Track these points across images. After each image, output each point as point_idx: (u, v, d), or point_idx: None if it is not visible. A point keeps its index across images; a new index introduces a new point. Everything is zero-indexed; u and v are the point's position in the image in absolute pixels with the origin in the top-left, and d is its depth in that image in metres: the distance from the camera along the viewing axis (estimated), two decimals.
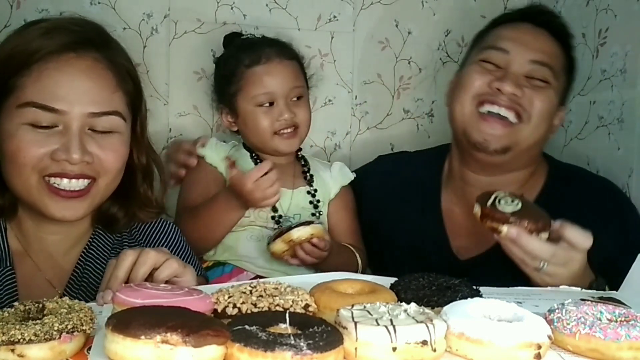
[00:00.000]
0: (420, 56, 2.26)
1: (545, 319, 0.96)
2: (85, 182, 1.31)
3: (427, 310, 0.93)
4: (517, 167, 1.69)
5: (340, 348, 0.84)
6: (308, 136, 1.85)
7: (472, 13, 2.25)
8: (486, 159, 1.65)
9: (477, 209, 1.36)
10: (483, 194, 1.38)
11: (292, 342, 0.80)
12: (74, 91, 1.28)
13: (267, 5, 2.12)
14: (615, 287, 1.28)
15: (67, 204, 1.30)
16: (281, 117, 1.73)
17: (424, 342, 0.85)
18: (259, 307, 0.96)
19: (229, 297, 0.99)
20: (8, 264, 1.34)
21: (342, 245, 1.73)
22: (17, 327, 0.83)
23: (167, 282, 1.16)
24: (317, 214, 1.77)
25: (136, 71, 1.42)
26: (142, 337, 0.78)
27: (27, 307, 0.93)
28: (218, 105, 1.85)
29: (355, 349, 0.85)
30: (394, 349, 0.84)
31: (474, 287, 1.12)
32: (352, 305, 0.93)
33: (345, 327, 0.87)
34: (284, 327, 0.87)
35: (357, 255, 1.75)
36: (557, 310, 0.98)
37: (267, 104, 1.74)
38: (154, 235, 1.51)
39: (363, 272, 1.74)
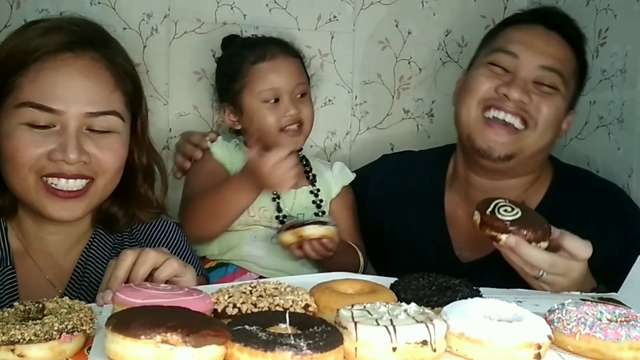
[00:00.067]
0: (420, 56, 2.26)
1: (546, 319, 0.96)
2: (83, 182, 1.31)
3: (427, 310, 0.93)
4: (522, 172, 1.67)
5: (340, 348, 0.84)
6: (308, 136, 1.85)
7: (472, 13, 2.25)
8: (490, 165, 1.63)
9: (476, 217, 1.35)
10: (483, 201, 1.37)
11: (292, 342, 0.80)
12: (71, 91, 1.28)
13: (267, 5, 2.12)
14: (617, 290, 1.28)
15: (65, 204, 1.30)
16: (287, 113, 1.73)
17: (424, 342, 0.85)
18: (259, 307, 0.96)
19: (229, 297, 0.99)
20: (8, 264, 1.34)
21: (346, 244, 1.73)
22: (17, 327, 0.83)
23: (167, 282, 1.16)
24: (320, 214, 1.77)
25: (136, 71, 1.42)
26: (142, 337, 0.78)
27: (27, 307, 0.93)
28: (220, 105, 1.84)
29: (355, 349, 0.85)
30: (394, 349, 0.84)
31: (474, 287, 1.12)
32: (352, 305, 0.93)
33: (345, 327, 0.87)
34: (284, 327, 0.87)
35: (360, 255, 1.75)
36: (557, 311, 0.98)
37: (273, 100, 1.74)
38: (154, 235, 1.51)
39: (363, 271, 1.75)
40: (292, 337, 0.81)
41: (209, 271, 1.69)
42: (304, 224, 1.58)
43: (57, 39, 1.29)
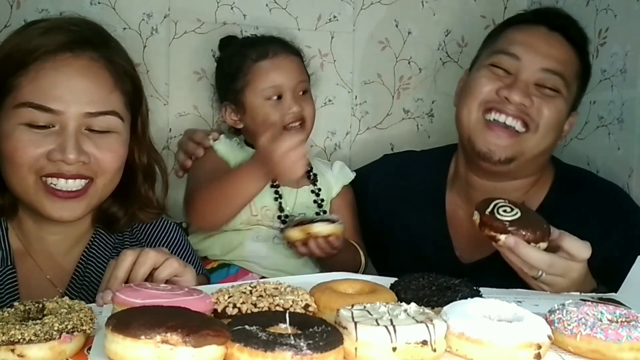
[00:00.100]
0: (420, 56, 2.26)
1: (546, 319, 0.96)
2: (83, 182, 1.31)
3: (427, 310, 0.93)
4: (523, 174, 1.67)
5: (340, 348, 0.84)
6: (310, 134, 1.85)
7: (472, 13, 2.25)
8: (490, 168, 1.63)
9: (476, 217, 1.35)
10: (483, 201, 1.37)
11: (292, 342, 0.80)
12: (70, 91, 1.28)
13: (267, 5, 2.12)
14: (617, 290, 1.27)
15: (65, 205, 1.30)
16: (290, 110, 1.73)
17: (424, 342, 0.85)
18: (259, 307, 0.96)
19: (229, 297, 0.99)
20: (9, 263, 1.34)
21: (348, 243, 1.73)
22: (17, 327, 0.83)
23: (167, 281, 1.16)
24: (321, 213, 1.77)
25: (136, 71, 1.42)
26: (142, 337, 0.78)
27: (27, 307, 0.93)
28: (221, 104, 1.84)
29: (355, 349, 0.85)
30: (394, 349, 0.84)
31: (474, 287, 1.12)
32: (352, 305, 0.93)
33: (345, 327, 0.87)
34: (284, 327, 0.87)
35: (361, 253, 1.75)
36: (557, 311, 0.98)
37: (275, 98, 1.74)
38: (155, 234, 1.51)
39: (364, 270, 1.75)
40: (292, 337, 0.81)
41: (210, 272, 1.68)
42: (312, 221, 1.58)
43: (56, 39, 1.29)
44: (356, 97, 2.23)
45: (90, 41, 1.33)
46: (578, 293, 1.28)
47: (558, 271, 1.30)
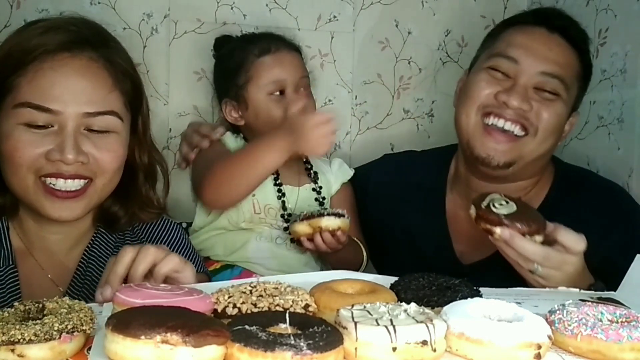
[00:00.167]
0: (420, 56, 2.26)
1: (546, 320, 0.96)
2: (82, 182, 1.31)
3: (427, 310, 0.93)
4: (523, 177, 1.67)
5: (340, 348, 0.84)
6: None
7: (472, 13, 2.25)
8: (490, 172, 1.63)
9: (472, 211, 1.36)
10: (479, 195, 1.39)
11: (292, 342, 0.80)
12: (69, 91, 1.28)
13: (267, 5, 2.12)
14: (616, 287, 1.28)
15: (64, 204, 1.30)
16: (292, 106, 1.71)
17: (424, 342, 0.85)
18: (259, 307, 0.96)
19: (229, 297, 0.99)
20: (11, 262, 1.34)
21: (351, 239, 1.73)
22: (17, 327, 0.83)
23: (167, 279, 1.16)
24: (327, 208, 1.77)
25: (136, 71, 1.42)
26: (142, 337, 0.78)
27: (27, 307, 0.93)
28: (222, 101, 1.83)
29: (355, 349, 0.85)
30: (394, 349, 0.84)
31: (474, 287, 1.12)
32: (352, 305, 0.93)
33: (345, 327, 0.87)
34: (284, 327, 0.87)
35: (363, 249, 1.75)
36: (557, 312, 0.98)
37: (278, 93, 1.74)
38: (156, 234, 1.51)
39: (365, 268, 1.75)
40: (292, 337, 0.81)
41: (214, 274, 1.68)
42: (320, 214, 1.58)
43: (55, 39, 1.30)
44: (356, 97, 2.23)
45: (89, 41, 1.33)
46: (577, 290, 1.28)
47: (553, 264, 1.30)
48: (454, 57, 2.26)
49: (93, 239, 1.43)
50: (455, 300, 1.02)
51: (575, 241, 1.31)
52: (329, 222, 1.56)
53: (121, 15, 2.00)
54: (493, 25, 1.96)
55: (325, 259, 1.74)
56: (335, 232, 1.56)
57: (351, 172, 1.88)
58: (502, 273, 1.36)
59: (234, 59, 1.79)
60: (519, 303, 1.01)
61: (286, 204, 1.74)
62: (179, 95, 2.08)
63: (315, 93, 1.95)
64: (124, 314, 0.84)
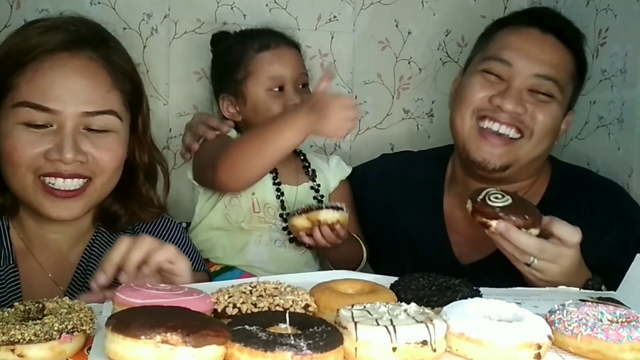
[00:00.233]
0: (420, 56, 2.26)
1: (546, 320, 0.96)
2: (81, 181, 1.31)
3: (427, 310, 0.93)
4: (519, 179, 1.67)
5: (340, 348, 0.84)
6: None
7: (472, 13, 2.25)
8: (486, 175, 1.63)
9: (469, 205, 1.37)
10: (475, 190, 1.40)
11: (292, 342, 0.80)
12: (68, 90, 1.28)
13: (267, 5, 2.12)
14: (615, 287, 1.28)
15: (63, 204, 1.30)
16: (291, 102, 1.71)
17: (424, 342, 0.85)
18: (259, 307, 0.96)
19: (229, 297, 0.99)
20: (11, 262, 1.34)
21: (350, 235, 1.73)
22: (17, 327, 0.83)
23: (161, 273, 1.16)
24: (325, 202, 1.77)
25: (136, 70, 1.42)
26: (142, 337, 0.78)
27: (27, 307, 0.93)
28: (219, 96, 1.81)
29: (355, 349, 0.85)
30: (394, 349, 0.84)
31: (474, 287, 1.12)
32: (352, 305, 0.93)
33: (345, 327, 0.87)
34: (284, 327, 0.87)
35: (363, 245, 1.75)
36: (557, 312, 0.98)
37: (277, 89, 1.73)
38: (157, 233, 1.51)
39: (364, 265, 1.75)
40: (292, 337, 0.81)
41: (213, 276, 1.67)
42: (319, 207, 1.57)
43: (54, 39, 1.30)
44: (356, 97, 2.22)
45: (88, 41, 1.33)
46: (577, 290, 1.28)
47: (549, 257, 1.31)
48: (454, 57, 2.26)
49: (93, 238, 1.43)
50: (455, 300, 1.02)
51: (570, 233, 1.32)
52: (328, 215, 1.55)
53: (121, 15, 2.00)
54: None
55: (325, 255, 1.73)
56: (334, 225, 1.55)
57: (349, 170, 1.88)
58: (501, 273, 1.36)
59: (232, 55, 1.78)
60: (519, 303, 1.01)
61: (285, 204, 1.73)
62: (178, 95, 2.08)
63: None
64: (124, 314, 0.84)
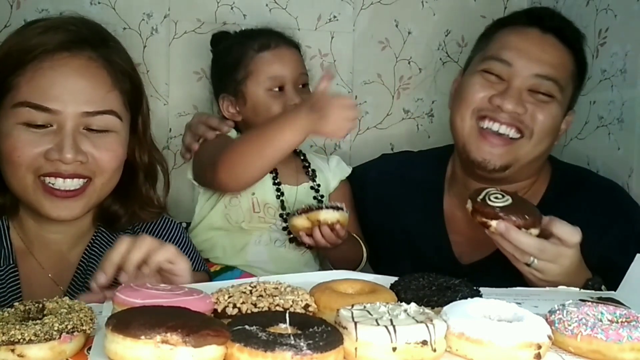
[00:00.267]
0: (420, 56, 2.26)
1: (546, 320, 0.96)
2: (81, 181, 1.31)
3: (427, 310, 0.93)
4: (519, 179, 1.67)
5: (340, 348, 0.84)
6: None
7: (472, 13, 2.25)
8: (486, 176, 1.63)
9: (469, 205, 1.38)
10: (475, 190, 1.40)
11: (292, 342, 0.80)
12: (68, 91, 1.28)
13: (267, 5, 2.12)
14: (616, 287, 1.28)
15: (63, 204, 1.30)
16: (291, 102, 1.71)
17: (424, 342, 0.85)
18: (259, 307, 0.96)
19: (229, 297, 0.99)
20: (11, 262, 1.34)
21: (350, 235, 1.73)
22: (17, 327, 0.83)
23: (161, 273, 1.16)
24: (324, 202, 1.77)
25: (135, 70, 1.42)
26: (142, 337, 0.78)
27: (27, 307, 0.93)
28: (219, 96, 1.81)
29: (355, 349, 0.85)
30: (394, 349, 0.84)
31: (474, 287, 1.12)
32: (352, 305, 0.93)
33: (345, 327, 0.87)
34: (284, 327, 0.87)
35: (363, 245, 1.75)
36: (557, 312, 0.98)
37: (277, 89, 1.73)
38: (157, 233, 1.51)
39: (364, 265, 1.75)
40: (292, 337, 0.81)
41: (213, 276, 1.67)
42: (319, 207, 1.57)
43: (54, 39, 1.30)
44: (356, 97, 2.22)
45: (88, 41, 1.33)
46: (577, 290, 1.28)
47: (549, 257, 1.31)
48: (454, 57, 2.26)
49: (93, 238, 1.43)
50: (455, 300, 1.02)
51: (570, 233, 1.32)
52: (328, 215, 1.55)
53: (121, 15, 2.00)
54: None
55: (325, 255, 1.73)
56: (334, 225, 1.55)
57: (349, 170, 1.88)
58: (501, 273, 1.36)
59: (232, 54, 1.78)
60: (519, 303, 1.01)
61: (285, 204, 1.73)
62: (178, 95, 2.08)
63: None
64: (124, 314, 0.84)
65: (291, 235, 1.71)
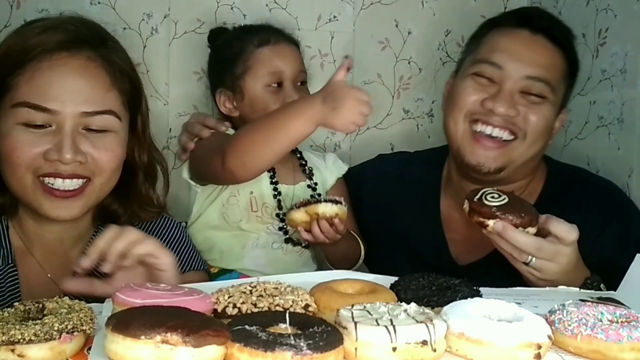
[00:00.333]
0: (420, 56, 2.26)
1: (546, 320, 0.96)
2: (80, 181, 1.31)
3: (427, 310, 0.93)
4: (514, 180, 1.67)
5: (340, 348, 0.84)
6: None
7: (472, 13, 2.25)
8: (481, 178, 1.63)
9: (466, 205, 1.38)
10: (472, 190, 1.40)
11: (292, 342, 0.80)
12: (67, 91, 1.28)
13: (267, 5, 2.12)
14: (615, 286, 1.28)
15: (62, 204, 1.30)
16: (289, 99, 1.69)
17: (424, 342, 0.85)
18: (259, 307, 0.97)
19: (229, 297, 0.99)
20: (10, 262, 1.34)
21: (349, 232, 1.73)
22: (17, 327, 0.83)
23: (149, 269, 1.16)
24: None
25: (135, 70, 1.42)
26: (142, 337, 0.78)
27: (27, 307, 0.93)
28: (217, 91, 1.80)
29: (355, 349, 0.85)
30: (394, 349, 0.84)
31: (474, 287, 1.12)
32: (352, 305, 0.93)
33: (345, 327, 0.87)
34: (284, 327, 0.88)
35: (361, 242, 1.74)
36: (557, 312, 0.98)
37: (275, 85, 1.72)
38: (157, 232, 1.51)
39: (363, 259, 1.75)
40: (292, 337, 0.81)
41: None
42: (317, 201, 1.56)
43: (53, 39, 1.30)
44: None
45: (87, 40, 1.33)
46: (577, 290, 1.28)
47: (547, 255, 1.31)
48: (454, 57, 2.26)
49: (93, 237, 1.43)
50: (455, 300, 1.02)
51: (567, 231, 1.32)
52: (327, 209, 1.54)
53: (121, 15, 2.00)
54: None
55: (324, 252, 1.73)
56: (333, 219, 1.54)
57: (345, 167, 1.88)
58: (498, 273, 1.36)
59: (231, 49, 1.77)
60: (519, 303, 1.01)
61: (282, 203, 1.73)
62: (178, 95, 2.08)
63: None
64: (124, 314, 0.84)
65: (287, 236, 1.71)
